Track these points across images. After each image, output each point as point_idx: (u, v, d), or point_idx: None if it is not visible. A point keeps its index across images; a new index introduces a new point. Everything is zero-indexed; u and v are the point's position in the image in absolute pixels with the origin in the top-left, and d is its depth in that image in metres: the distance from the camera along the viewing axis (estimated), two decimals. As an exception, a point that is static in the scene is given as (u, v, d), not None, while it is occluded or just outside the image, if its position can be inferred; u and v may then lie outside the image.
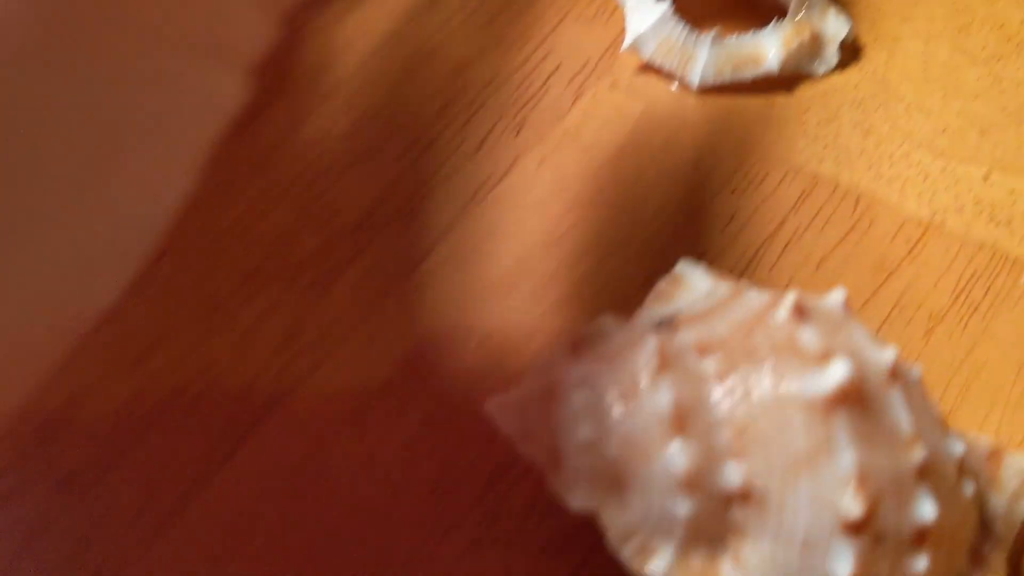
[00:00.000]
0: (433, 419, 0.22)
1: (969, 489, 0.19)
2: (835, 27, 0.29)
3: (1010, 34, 0.29)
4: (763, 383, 0.17)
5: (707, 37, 0.28)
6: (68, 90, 0.12)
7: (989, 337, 0.23)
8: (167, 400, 0.23)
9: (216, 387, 0.23)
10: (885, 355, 0.18)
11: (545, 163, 0.26)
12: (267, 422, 0.23)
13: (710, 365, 0.17)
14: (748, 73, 0.28)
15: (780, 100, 0.28)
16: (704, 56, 0.27)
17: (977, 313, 0.23)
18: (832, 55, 0.28)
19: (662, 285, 0.20)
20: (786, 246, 0.24)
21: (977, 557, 0.19)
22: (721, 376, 0.17)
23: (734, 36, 0.28)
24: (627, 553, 0.18)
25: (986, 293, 0.23)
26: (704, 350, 0.18)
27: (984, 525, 0.19)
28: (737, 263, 0.24)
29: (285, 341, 0.24)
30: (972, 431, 0.21)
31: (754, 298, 0.19)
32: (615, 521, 0.18)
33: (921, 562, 0.18)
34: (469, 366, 0.23)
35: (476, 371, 0.23)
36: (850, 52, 0.29)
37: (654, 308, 0.20)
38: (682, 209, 0.25)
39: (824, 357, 0.17)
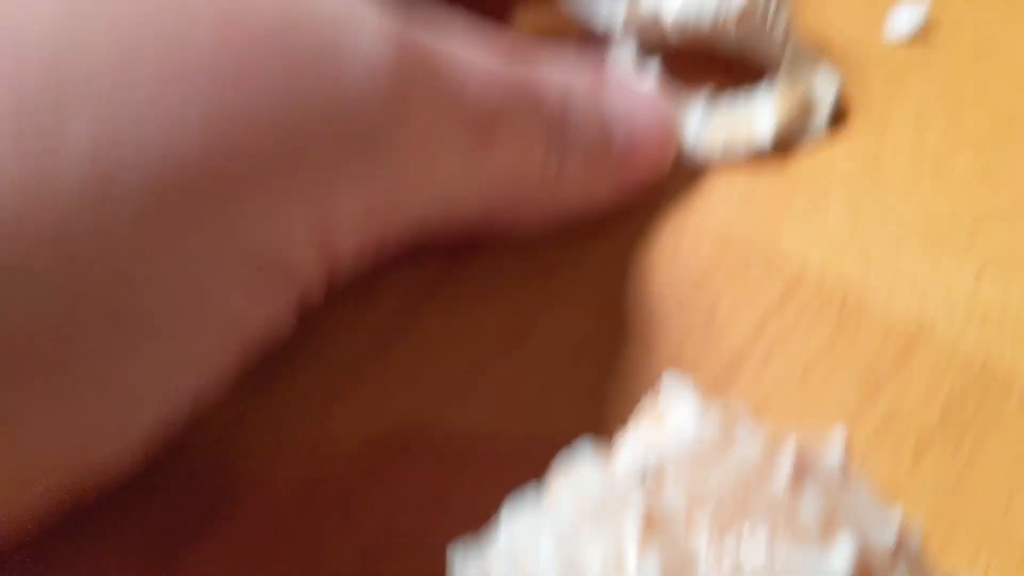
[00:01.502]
0: (375, 548, 0.20)
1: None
2: (824, 89, 0.27)
3: (1003, 116, 0.28)
4: (757, 556, 0.16)
5: (695, 108, 0.26)
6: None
7: (980, 461, 0.21)
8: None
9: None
10: (889, 528, 0.16)
11: (506, 250, 0.24)
12: (199, 537, 0.20)
13: (701, 532, 0.16)
14: (740, 144, 0.26)
15: (765, 177, 0.26)
16: (693, 128, 0.26)
17: (968, 434, 0.22)
18: (823, 118, 0.27)
19: (645, 418, 0.18)
20: (770, 351, 0.23)
21: None
22: (712, 544, 0.16)
23: (722, 106, 0.26)
24: None
25: (977, 411, 0.22)
26: (694, 511, 0.16)
27: None
28: (717, 368, 0.22)
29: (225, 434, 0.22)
30: (962, 570, 0.20)
31: (747, 446, 0.17)
32: None
33: None
34: (423, 476, 0.21)
35: (430, 483, 0.21)
36: (840, 125, 0.27)
37: (637, 445, 0.18)
38: (660, 301, 0.23)
39: (827, 530, 0.15)
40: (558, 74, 0.23)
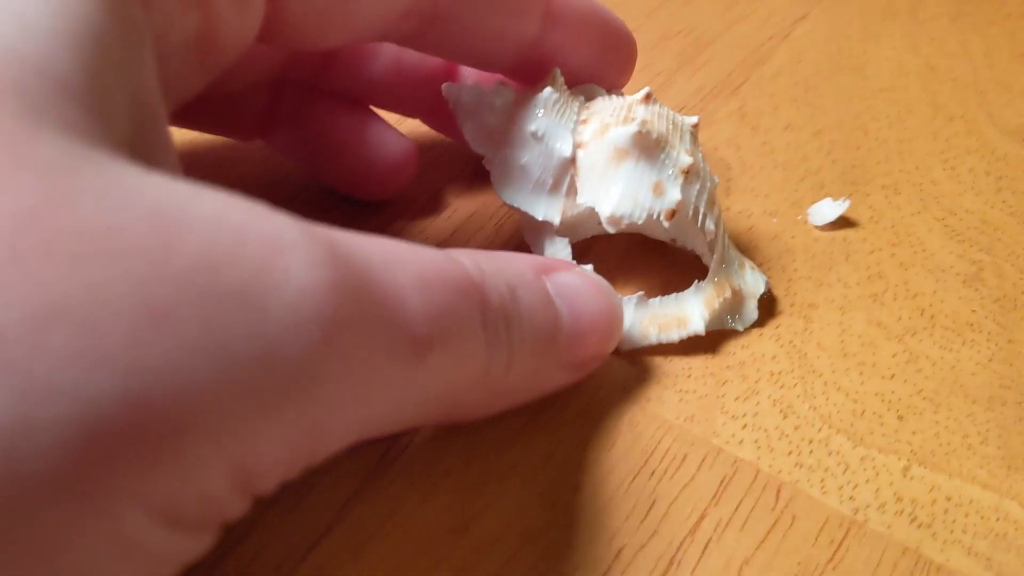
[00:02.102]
0: None
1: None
2: (753, 282, 0.28)
3: (923, 306, 0.29)
4: None
5: (631, 300, 0.27)
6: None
7: (916, 659, 0.22)
8: None
9: None
10: None
11: (451, 433, 0.25)
12: None
13: None
14: (675, 335, 0.27)
15: (697, 369, 0.27)
16: (628, 319, 0.27)
17: (903, 629, 0.22)
18: (752, 310, 0.28)
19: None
20: (707, 545, 0.23)
21: None
22: None
23: (657, 298, 0.27)
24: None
25: (911, 607, 0.22)
26: None
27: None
28: (656, 565, 0.22)
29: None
30: None
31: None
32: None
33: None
34: None
35: None
36: (767, 316, 0.28)
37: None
38: (599, 494, 0.24)
39: None
40: (500, 265, 0.22)
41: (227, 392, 0.15)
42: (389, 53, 0.30)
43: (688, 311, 0.27)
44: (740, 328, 0.28)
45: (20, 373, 0.13)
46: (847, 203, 0.32)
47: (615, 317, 0.25)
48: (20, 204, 0.14)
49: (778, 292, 0.29)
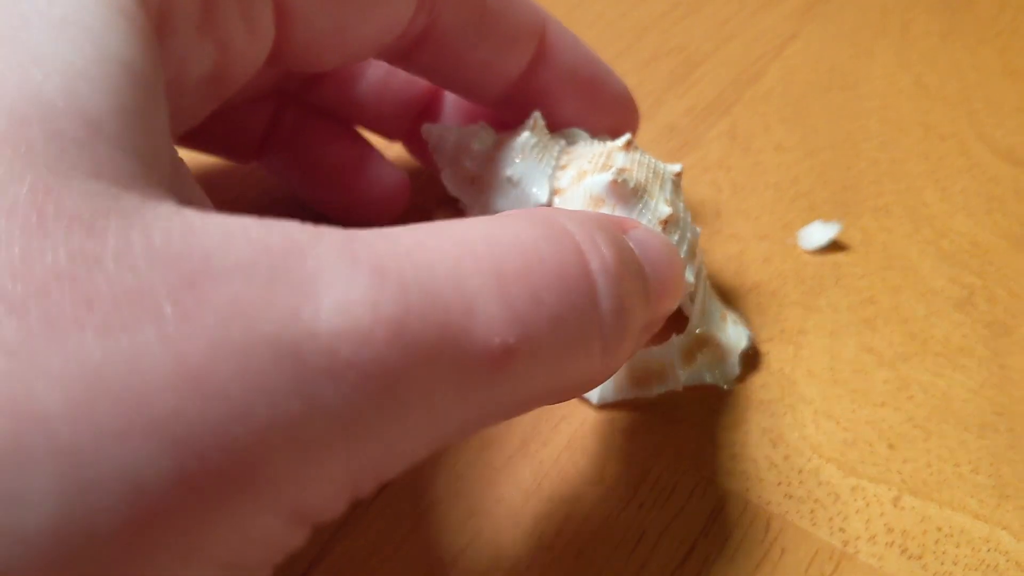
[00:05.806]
0: None
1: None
2: (735, 336, 0.28)
3: (915, 331, 0.29)
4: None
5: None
6: None
7: None
8: None
9: None
10: None
11: (439, 463, 0.24)
12: None
13: None
14: (653, 390, 0.26)
15: (686, 397, 0.27)
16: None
17: (894, 664, 0.22)
18: (733, 365, 0.27)
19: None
20: (696, 579, 0.23)
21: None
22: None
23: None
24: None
25: (902, 640, 0.22)
26: None
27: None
28: (644, 600, 0.22)
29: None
30: None
31: None
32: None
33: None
34: None
35: None
36: (755, 350, 0.28)
37: None
38: (586, 526, 0.23)
39: None
40: (593, 222, 0.19)
41: (273, 449, 0.14)
42: (376, 74, 0.30)
43: (666, 364, 0.27)
44: (722, 385, 0.27)
45: (70, 456, 0.12)
46: (838, 227, 0.32)
47: (683, 272, 0.23)
48: (45, 272, 0.13)
49: (767, 319, 0.29)
